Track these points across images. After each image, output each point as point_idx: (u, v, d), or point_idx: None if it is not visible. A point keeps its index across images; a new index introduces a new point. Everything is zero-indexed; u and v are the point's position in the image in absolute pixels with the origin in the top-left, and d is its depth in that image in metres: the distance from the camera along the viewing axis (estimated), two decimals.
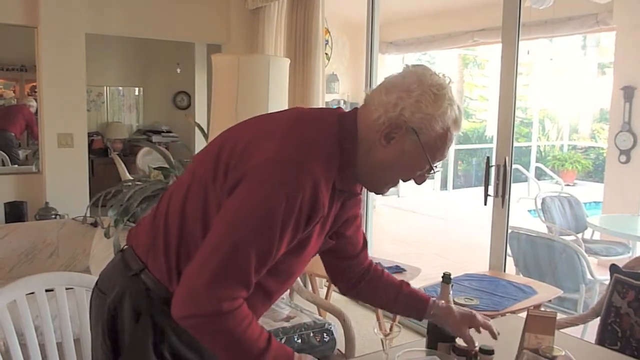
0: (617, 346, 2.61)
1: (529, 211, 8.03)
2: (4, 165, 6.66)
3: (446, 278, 1.81)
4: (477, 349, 1.69)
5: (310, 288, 4.19)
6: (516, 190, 6.21)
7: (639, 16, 6.68)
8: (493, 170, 3.73)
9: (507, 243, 3.90)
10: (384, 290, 1.79)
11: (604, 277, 3.54)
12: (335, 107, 1.62)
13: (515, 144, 3.76)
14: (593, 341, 2.70)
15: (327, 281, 4.26)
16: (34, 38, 4.85)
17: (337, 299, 4.92)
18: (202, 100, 8.61)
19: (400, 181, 1.50)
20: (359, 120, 1.43)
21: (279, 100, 3.33)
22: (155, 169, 3.68)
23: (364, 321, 4.49)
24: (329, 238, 1.59)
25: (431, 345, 1.78)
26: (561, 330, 2.13)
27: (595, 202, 8.89)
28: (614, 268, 2.80)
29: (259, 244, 1.30)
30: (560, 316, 2.61)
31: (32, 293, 1.99)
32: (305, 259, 1.50)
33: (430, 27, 8.61)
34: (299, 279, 3.75)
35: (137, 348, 1.46)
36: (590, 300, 4.04)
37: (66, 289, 2.06)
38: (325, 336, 3.11)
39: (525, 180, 10.00)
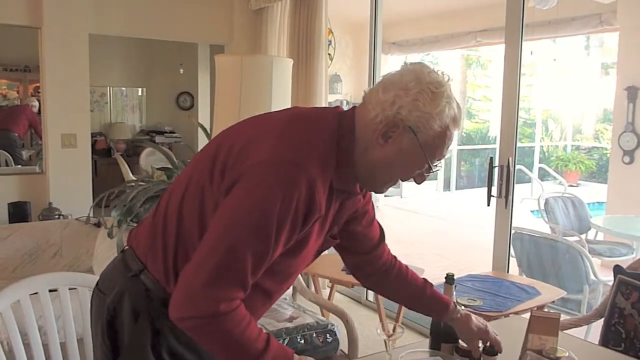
0: (621, 347, 2.60)
1: (532, 212, 8.01)
2: (7, 165, 6.67)
3: (449, 279, 1.81)
4: (481, 349, 1.69)
5: (313, 288, 4.18)
6: (519, 190, 6.20)
7: None
8: (496, 171, 3.73)
9: (511, 244, 3.90)
10: (406, 290, 1.79)
11: (608, 278, 3.53)
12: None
13: (519, 144, 3.75)
14: (597, 342, 2.70)
15: (329, 282, 4.26)
16: (37, 39, 4.86)
17: (340, 300, 4.92)
18: (205, 100, 8.62)
19: (400, 180, 1.49)
20: (357, 119, 1.43)
21: (282, 101, 3.33)
22: (158, 169, 3.69)
23: (367, 322, 4.49)
24: (331, 237, 1.58)
25: (434, 346, 1.79)
26: (565, 331, 2.12)
27: (598, 202, 8.88)
28: (617, 269, 2.80)
29: (255, 245, 1.29)
30: (563, 317, 2.60)
31: (36, 293, 1.99)
32: (304, 258, 1.49)
33: (433, 27, 8.61)
34: (301, 279, 3.75)
35: (135, 348, 1.46)
36: (594, 301, 4.03)
37: (69, 289, 2.06)
38: (328, 337, 3.10)
39: (529, 180, 9.99)
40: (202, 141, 6.45)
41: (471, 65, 13.69)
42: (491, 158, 3.80)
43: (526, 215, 8.15)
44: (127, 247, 1.57)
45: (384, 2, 4.94)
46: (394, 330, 1.72)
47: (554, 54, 11.75)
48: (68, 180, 4.93)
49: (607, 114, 12.26)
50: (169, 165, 3.72)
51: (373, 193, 1.65)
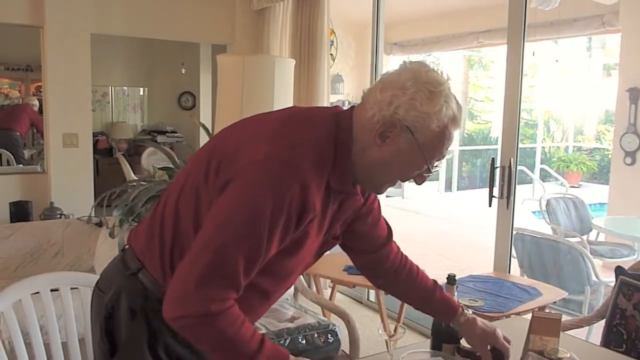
0: (622, 348, 2.60)
1: (534, 213, 8.01)
2: (9, 165, 6.67)
3: (451, 279, 1.81)
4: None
5: (314, 289, 4.18)
6: (521, 191, 6.18)
7: None
8: (498, 172, 3.73)
9: (512, 244, 3.90)
10: (416, 292, 1.78)
11: (609, 279, 3.53)
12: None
13: (520, 145, 3.75)
14: (598, 343, 2.70)
15: (331, 282, 4.26)
16: (39, 38, 4.86)
17: (341, 300, 4.92)
18: (206, 100, 8.62)
19: (399, 181, 1.48)
20: (355, 119, 1.41)
21: (284, 101, 3.34)
22: (160, 169, 3.69)
23: (368, 322, 4.49)
24: (333, 238, 1.58)
25: (436, 347, 1.78)
26: (566, 332, 2.12)
27: (600, 203, 8.87)
28: (619, 270, 2.80)
29: (247, 245, 1.29)
30: (565, 318, 2.60)
31: (37, 293, 1.99)
32: (302, 259, 1.49)
33: (435, 28, 8.61)
34: (303, 280, 3.75)
35: (132, 346, 1.46)
36: (596, 302, 4.02)
37: (71, 288, 2.06)
38: (330, 337, 3.10)
39: (530, 181, 9.98)
40: (204, 141, 6.43)
41: (473, 66, 13.68)
42: (493, 159, 3.79)
43: (528, 216, 8.15)
44: (127, 247, 1.57)
45: (386, 2, 4.94)
46: (395, 330, 1.72)
47: (556, 55, 11.75)
48: (70, 179, 4.93)
49: (608, 115, 12.26)
50: (171, 165, 3.72)
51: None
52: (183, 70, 8.82)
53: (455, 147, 11.95)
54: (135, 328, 1.46)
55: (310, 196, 1.31)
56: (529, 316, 1.80)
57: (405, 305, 3.92)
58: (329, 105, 4.93)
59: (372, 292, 4.81)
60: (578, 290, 4.08)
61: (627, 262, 3.30)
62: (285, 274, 1.51)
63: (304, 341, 3.02)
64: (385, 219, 1.77)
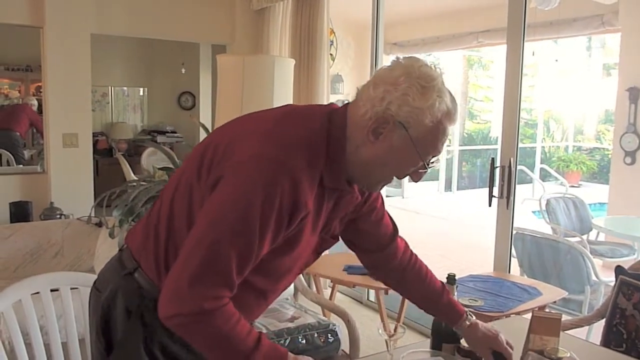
0: (622, 348, 2.60)
1: (534, 212, 8.01)
2: (9, 165, 6.67)
3: (451, 279, 1.81)
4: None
5: (314, 289, 4.18)
6: (521, 191, 6.18)
7: None
8: (498, 172, 3.73)
9: (512, 244, 3.90)
10: (422, 293, 1.77)
11: (609, 278, 3.53)
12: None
13: (520, 145, 3.75)
14: (598, 343, 2.70)
15: (331, 282, 4.26)
16: (39, 38, 4.85)
17: (341, 300, 4.93)
18: (206, 100, 8.62)
19: (396, 178, 1.46)
20: (348, 116, 1.40)
21: (283, 101, 3.33)
22: (159, 169, 3.69)
23: (368, 322, 4.49)
24: (331, 237, 1.58)
25: (435, 346, 1.78)
26: (566, 331, 2.12)
27: (600, 203, 8.87)
28: (619, 270, 2.80)
29: (239, 243, 1.28)
30: (565, 318, 2.60)
31: (37, 293, 1.99)
32: (298, 257, 1.48)
33: (434, 28, 8.60)
34: (303, 279, 3.75)
35: (127, 346, 1.47)
36: (595, 302, 4.03)
37: (71, 288, 2.06)
38: (330, 337, 3.10)
39: (530, 181, 9.98)
40: None
41: (473, 66, 13.68)
42: (492, 158, 3.79)
43: (527, 216, 8.16)
44: (124, 246, 1.58)
45: (386, 2, 4.94)
46: (395, 330, 1.72)
47: (556, 55, 11.75)
48: (69, 179, 4.93)
49: (608, 115, 12.26)
50: (171, 165, 3.72)
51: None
52: (183, 70, 8.82)
53: (455, 147, 11.95)
54: (131, 327, 1.46)
55: (302, 193, 1.31)
56: (528, 316, 1.80)
57: (405, 305, 3.93)
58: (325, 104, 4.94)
59: (372, 292, 4.81)
60: (578, 290, 4.08)
61: (627, 262, 3.30)
62: (280, 273, 1.50)
63: (304, 341, 3.02)
64: (391, 217, 1.76)
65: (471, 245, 7.88)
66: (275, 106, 3.24)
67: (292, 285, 3.66)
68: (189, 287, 1.27)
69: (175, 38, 5.96)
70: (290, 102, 3.48)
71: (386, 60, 6.99)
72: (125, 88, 9.12)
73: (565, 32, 7.43)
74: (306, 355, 1.41)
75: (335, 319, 3.35)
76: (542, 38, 8.01)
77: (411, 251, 1.79)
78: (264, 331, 2.98)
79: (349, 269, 3.79)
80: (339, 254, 4.01)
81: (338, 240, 1.63)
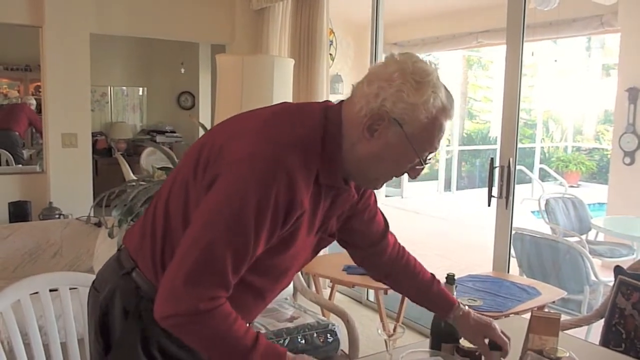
0: (621, 348, 2.60)
1: (533, 212, 8.01)
2: (8, 165, 6.66)
3: (450, 279, 1.81)
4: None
5: (313, 289, 4.18)
6: (520, 191, 6.20)
7: None
8: (497, 172, 3.73)
9: (511, 244, 3.90)
10: (413, 284, 1.77)
11: (608, 278, 3.53)
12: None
13: (519, 145, 3.75)
14: (597, 343, 2.69)
15: (330, 282, 4.26)
16: (38, 38, 4.85)
17: (341, 300, 4.93)
18: (206, 100, 8.62)
19: (394, 177, 1.46)
20: (344, 114, 1.39)
21: (283, 101, 3.33)
22: (159, 169, 3.69)
23: (367, 322, 4.49)
24: (329, 236, 1.57)
25: (435, 346, 1.78)
26: (565, 331, 2.12)
27: (599, 203, 8.87)
28: (618, 269, 2.80)
29: (234, 242, 1.28)
30: (564, 317, 2.60)
31: (36, 293, 1.99)
32: (295, 256, 1.47)
33: (434, 28, 8.60)
34: (302, 279, 3.75)
35: (125, 345, 1.47)
36: (595, 302, 4.03)
37: (70, 288, 2.06)
38: (329, 337, 3.10)
39: (529, 181, 9.99)
40: None
41: (472, 66, 13.68)
42: (492, 159, 3.79)
43: (527, 216, 8.15)
44: (122, 246, 1.58)
45: (386, 2, 4.94)
46: (394, 330, 1.72)
47: (555, 55, 11.76)
48: (69, 179, 4.93)
49: (607, 115, 12.27)
50: (170, 165, 3.71)
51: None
52: (182, 70, 8.82)
53: (454, 147, 11.96)
54: (129, 327, 1.46)
55: (298, 192, 1.30)
56: (528, 316, 1.80)
57: (405, 305, 3.93)
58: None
59: (372, 292, 4.81)
60: (577, 290, 4.08)
61: (626, 262, 3.30)
62: (278, 273, 1.49)
63: (303, 341, 3.02)
64: (382, 212, 1.76)
65: (470, 245, 7.88)
66: None
67: (291, 285, 3.65)
68: (185, 287, 1.26)
69: (175, 38, 5.96)
70: (290, 101, 3.48)
71: None
72: (124, 88, 9.11)
73: (564, 32, 7.44)
74: (306, 355, 1.40)
75: (334, 319, 3.35)
76: (541, 38, 8.02)
77: (400, 245, 1.80)
78: (263, 331, 2.98)
79: (349, 269, 3.79)
80: (338, 254, 4.01)
81: (335, 238, 1.62)
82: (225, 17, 5.68)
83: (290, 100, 3.51)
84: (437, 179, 11.94)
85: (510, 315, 2.97)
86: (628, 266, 2.86)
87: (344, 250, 1.81)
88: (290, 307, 3.40)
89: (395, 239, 1.79)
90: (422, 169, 1.42)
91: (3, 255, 4.06)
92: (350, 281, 3.76)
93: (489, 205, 3.79)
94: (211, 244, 1.27)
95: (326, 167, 1.37)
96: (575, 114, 13.66)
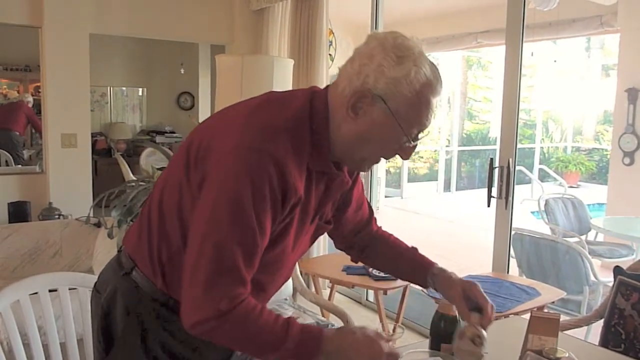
0: (620, 348, 2.60)
1: (533, 213, 8.02)
2: (7, 165, 6.66)
3: None
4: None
5: (313, 289, 4.18)
6: (519, 191, 6.20)
7: None
8: (496, 172, 3.73)
9: (511, 244, 3.90)
10: (392, 253, 1.76)
11: (608, 279, 3.53)
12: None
13: (519, 145, 3.75)
14: (597, 343, 2.70)
15: (330, 282, 4.26)
16: (38, 38, 4.85)
17: (340, 300, 4.93)
18: (205, 101, 8.62)
19: (383, 159, 1.43)
20: (330, 97, 1.38)
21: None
22: (158, 169, 3.69)
23: (367, 322, 4.49)
24: (325, 223, 1.57)
25: (434, 347, 1.78)
26: (565, 332, 2.12)
27: (598, 203, 8.88)
28: (617, 270, 2.80)
29: (240, 236, 1.27)
30: (563, 318, 2.60)
31: (36, 293, 1.99)
32: (293, 246, 1.46)
33: (434, 28, 8.60)
34: (302, 280, 3.75)
35: (126, 344, 1.47)
36: (594, 302, 4.03)
37: (69, 289, 2.06)
38: None
39: (529, 181, 9.99)
40: None
41: (472, 67, 13.69)
42: (491, 159, 3.80)
43: (526, 216, 8.16)
44: (122, 247, 1.58)
45: (385, 3, 4.94)
46: (394, 330, 1.72)
47: (555, 56, 11.76)
48: (68, 180, 4.93)
49: (607, 116, 12.27)
50: None
51: (362, 176, 1.65)
52: (182, 71, 8.82)
53: (454, 147, 11.97)
54: (130, 326, 1.46)
55: (289, 174, 1.29)
56: (527, 316, 1.80)
57: (404, 305, 3.93)
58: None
59: (371, 293, 4.81)
60: (577, 290, 4.09)
61: (625, 262, 3.30)
62: (274, 263, 1.47)
63: None
64: (368, 201, 1.76)
65: (470, 246, 7.88)
66: None
67: (290, 286, 3.65)
68: (204, 294, 1.26)
69: (174, 38, 5.96)
70: None
71: None
72: (124, 88, 9.12)
73: (564, 32, 7.44)
74: (351, 327, 1.38)
75: (334, 320, 3.35)
76: (541, 39, 8.02)
77: (378, 226, 1.80)
78: None
79: (348, 270, 3.80)
80: (338, 254, 4.01)
81: (332, 225, 1.61)
82: (224, 17, 5.68)
83: None
84: (437, 180, 11.94)
85: (510, 315, 2.97)
86: (627, 266, 2.86)
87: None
88: (289, 307, 3.40)
89: (379, 227, 1.80)
90: (413, 148, 1.39)
91: (2, 255, 4.05)
92: (350, 282, 3.76)
93: (488, 206, 3.79)
94: (218, 245, 1.27)
95: (316, 152, 1.36)
96: (575, 114, 13.66)
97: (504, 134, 3.75)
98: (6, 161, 6.70)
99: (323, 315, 3.61)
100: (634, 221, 5.97)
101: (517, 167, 3.95)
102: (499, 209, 3.80)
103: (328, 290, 4.43)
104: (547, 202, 6.04)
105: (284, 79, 3.42)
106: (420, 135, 1.37)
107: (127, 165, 6.86)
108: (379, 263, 1.85)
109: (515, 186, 3.81)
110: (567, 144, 13.72)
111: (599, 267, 5.22)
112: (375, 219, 1.80)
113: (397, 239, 1.79)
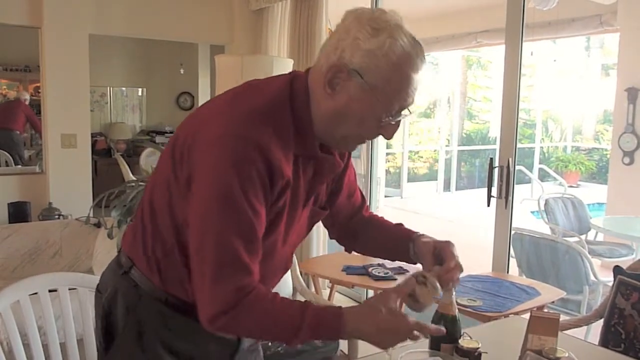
0: (620, 348, 2.60)
1: (532, 212, 8.01)
2: (7, 165, 6.67)
3: None
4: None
5: (313, 289, 4.18)
6: (519, 191, 6.21)
7: None
8: (496, 172, 3.73)
9: (510, 244, 3.90)
10: (378, 232, 1.75)
11: (608, 278, 3.53)
12: None
13: (519, 145, 3.75)
14: (596, 343, 2.70)
15: (329, 282, 4.26)
16: (37, 39, 4.86)
17: (340, 300, 4.92)
18: (205, 101, 8.60)
19: (366, 138, 1.40)
20: (310, 78, 1.36)
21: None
22: None
23: None
24: (320, 208, 1.56)
25: (434, 346, 1.78)
26: (564, 331, 2.12)
27: (598, 203, 8.88)
28: (617, 270, 2.80)
29: (236, 227, 1.26)
30: (563, 318, 2.60)
31: (36, 293, 1.99)
32: (288, 233, 1.45)
33: (433, 28, 8.61)
34: (301, 279, 3.75)
35: (124, 343, 1.47)
36: (594, 302, 4.03)
37: (69, 289, 2.06)
38: None
39: (529, 181, 9.98)
40: None
41: (471, 66, 13.69)
42: (491, 159, 3.79)
43: (526, 216, 8.15)
44: (121, 247, 1.58)
45: (385, 3, 4.94)
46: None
47: (555, 55, 11.76)
48: (68, 180, 4.93)
49: (607, 115, 12.27)
50: None
51: (354, 166, 1.65)
52: (181, 71, 8.83)
53: (453, 147, 11.97)
54: (129, 324, 1.47)
55: (274, 157, 1.27)
56: (527, 316, 1.80)
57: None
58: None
59: (371, 293, 4.80)
60: (576, 290, 4.08)
61: (625, 262, 3.30)
62: (269, 251, 1.43)
63: None
64: (360, 190, 1.76)
65: (470, 246, 7.85)
66: None
67: (290, 286, 3.65)
68: (211, 289, 1.27)
69: (174, 38, 5.96)
70: None
71: None
72: (123, 88, 9.12)
73: (563, 32, 7.44)
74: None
75: None
76: (540, 38, 8.02)
77: (370, 212, 1.80)
78: None
79: (348, 270, 3.79)
80: (338, 254, 4.01)
81: (328, 211, 1.60)
82: (224, 17, 5.68)
83: None
84: (437, 179, 11.94)
85: (510, 315, 2.97)
86: (627, 266, 2.86)
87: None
88: None
89: (371, 212, 1.79)
90: (396, 126, 1.36)
91: (2, 255, 4.06)
92: (350, 281, 3.76)
93: (488, 206, 3.79)
94: (216, 239, 1.26)
95: (300, 135, 1.35)
96: (575, 114, 13.66)
97: (503, 133, 3.75)
98: (6, 161, 6.71)
99: None
100: (633, 221, 5.97)
101: (517, 167, 3.95)
102: (498, 209, 3.80)
103: (328, 290, 4.43)
104: (546, 202, 6.04)
105: None
106: (403, 113, 1.34)
107: (127, 166, 6.86)
108: (371, 248, 1.82)
109: (515, 186, 3.81)
110: (567, 144, 13.72)
111: (599, 266, 5.22)
112: (368, 206, 1.80)
113: (385, 219, 1.78)
